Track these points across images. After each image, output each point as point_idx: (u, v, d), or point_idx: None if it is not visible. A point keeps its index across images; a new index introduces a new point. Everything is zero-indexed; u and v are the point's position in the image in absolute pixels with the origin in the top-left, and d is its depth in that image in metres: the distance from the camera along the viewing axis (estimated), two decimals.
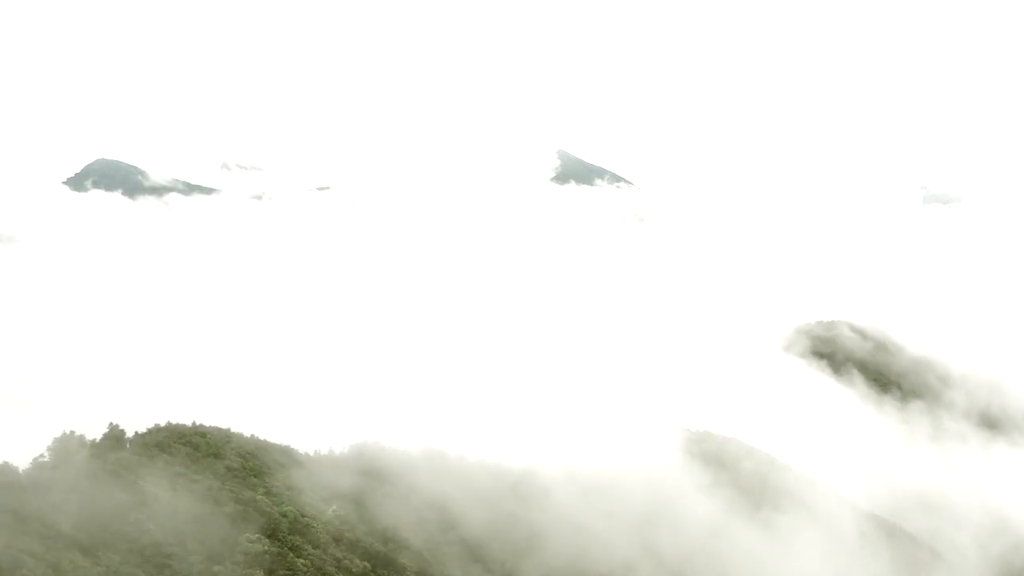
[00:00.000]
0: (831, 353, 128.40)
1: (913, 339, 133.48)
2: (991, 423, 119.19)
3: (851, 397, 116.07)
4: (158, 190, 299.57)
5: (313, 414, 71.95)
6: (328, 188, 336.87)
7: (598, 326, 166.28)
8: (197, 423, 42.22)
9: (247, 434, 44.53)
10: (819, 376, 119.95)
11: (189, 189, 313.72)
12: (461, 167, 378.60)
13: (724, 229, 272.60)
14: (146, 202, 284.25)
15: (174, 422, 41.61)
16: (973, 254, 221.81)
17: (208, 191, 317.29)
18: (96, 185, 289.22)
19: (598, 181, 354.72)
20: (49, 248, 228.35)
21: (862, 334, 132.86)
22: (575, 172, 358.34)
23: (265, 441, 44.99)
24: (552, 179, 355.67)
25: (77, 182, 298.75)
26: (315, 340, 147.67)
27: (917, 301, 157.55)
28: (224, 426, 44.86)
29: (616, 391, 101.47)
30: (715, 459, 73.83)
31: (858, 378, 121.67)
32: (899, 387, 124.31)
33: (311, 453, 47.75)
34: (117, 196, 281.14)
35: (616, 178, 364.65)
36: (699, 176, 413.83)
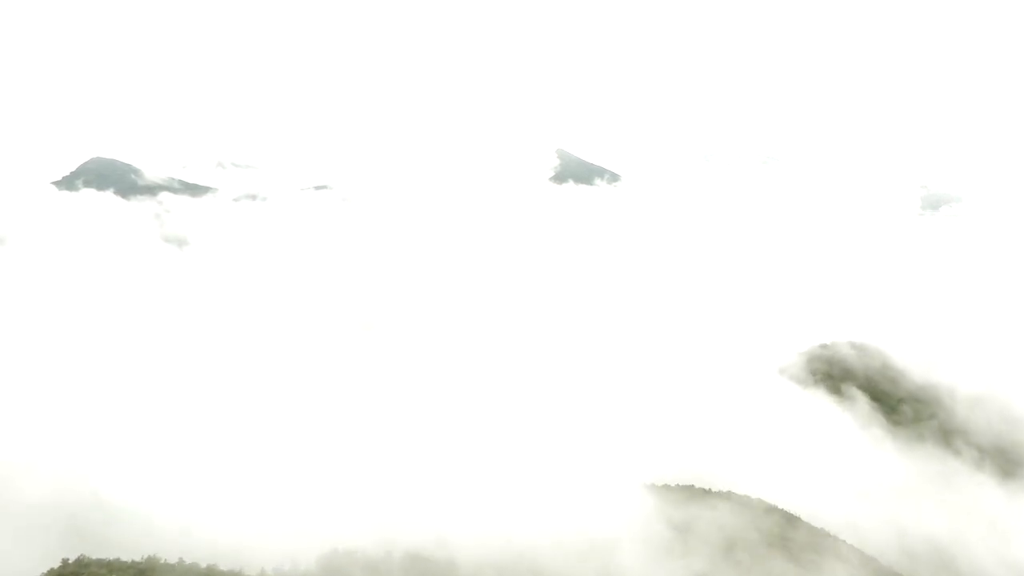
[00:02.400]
0: (834, 377, 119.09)
1: (927, 361, 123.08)
2: (1013, 459, 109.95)
3: (857, 429, 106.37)
4: (152, 189, 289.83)
5: (281, 500, 62.64)
6: (325, 187, 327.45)
7: (589, 336, 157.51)
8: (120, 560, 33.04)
9: (187, 559, 35.26)
10: (822, 405, 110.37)
11: (184, 188, 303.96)
12: (459, 166, 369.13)
13: (723, 232, 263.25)
14: (139, 201, 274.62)
15: (91, 555, 32.41)
16: (981, 262, 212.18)
17: (203, 190, 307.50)
18: (88, 184, 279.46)
19: (597, 181, 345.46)
20: (36, 249, 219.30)
21: (869, 355, 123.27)
22: (574, 172, 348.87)
23: (210, 570, 35.59)
24: (551, 178, 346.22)
25: (70, 181, 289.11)
26: (304, 365, 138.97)
27: (928, 317, 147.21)
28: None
29: (598, 429, 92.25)
30: (709, 526, 64.90)
31: (865, 405, 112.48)
32: (912, 415, 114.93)
33: (270, 572, 38.45)
34: (109, 195, 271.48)
35: (615, 178, 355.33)
36: (699, 177, 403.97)
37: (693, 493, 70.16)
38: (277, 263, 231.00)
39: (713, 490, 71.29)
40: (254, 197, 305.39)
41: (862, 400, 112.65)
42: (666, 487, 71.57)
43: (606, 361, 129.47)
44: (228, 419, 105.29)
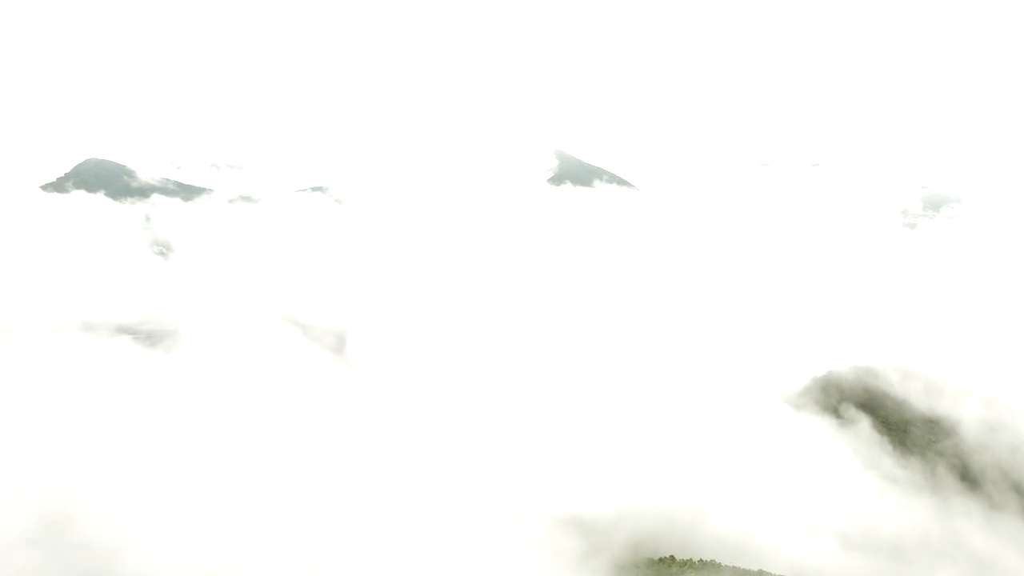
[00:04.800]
0: (844, 405, 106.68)
1: (943, 386, 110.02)
2: None
3: (867, 469, 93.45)
4: (145, 191, 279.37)
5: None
6: (322, 188, 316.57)
7: (579, 349, 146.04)
8: None
9: None
10: (830, 440, 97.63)
11: (178, 189, 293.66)
12: (456, 167, 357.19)
13: (722, 240, 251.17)
14: (131, 204, 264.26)
15: None
16: (990, 268, 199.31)
17: (198, 191, 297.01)
18: (79, 186, 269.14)
19: (596, 182, 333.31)
20: (11, 255, 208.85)
21: (880, 381, 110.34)
22: (572, 173, 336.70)
23: None
24: (549, 180, 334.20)
25: (61, 183, 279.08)
26: (292, 374, 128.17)
27: (941, 333, 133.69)
28: None
29: (571, 473, 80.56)
30: None
31: (877, 439, 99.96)
32: (926, 447, 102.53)
33: None
34: (99, 198, 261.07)
35: (614, 179, 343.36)
36: (701, 178, 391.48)
37: (674, 567, 58.38)
38: (274, 268, 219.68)
39: (698, 560, 59.60)
40: (249, 199, 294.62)
41: (874, 434, 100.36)
42: (641, 565, 59.91)
43: (591, 383, 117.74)
44: (207, 449, 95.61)
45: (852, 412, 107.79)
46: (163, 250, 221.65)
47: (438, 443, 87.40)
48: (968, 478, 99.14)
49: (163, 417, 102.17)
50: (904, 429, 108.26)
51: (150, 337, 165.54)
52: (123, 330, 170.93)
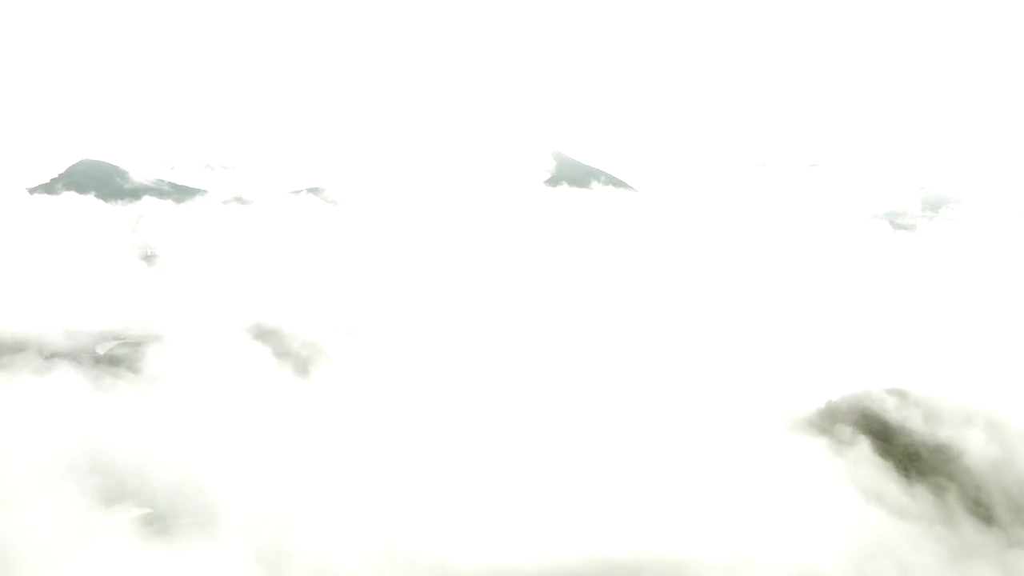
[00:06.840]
0: (847, 429, 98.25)
1: (962, 410, 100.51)
2: None
3: (883, 510, 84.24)
4: (137, 192, 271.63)
5: None
6: (317, 190, 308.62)
7: (577, 355, 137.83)
8: None
9: None
10: (835, 474, 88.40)
11: (172, 191, 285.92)
12: (452, 168, 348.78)
13: (724, 237, 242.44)
14: (121, 205, 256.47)
15: None
16: (996, 274, 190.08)
17: (191, 193, 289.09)
18: (69, 187, 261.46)
19: (593, 184, 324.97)
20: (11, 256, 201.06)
21: (890, 406, 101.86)
22: (570, 174, 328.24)
23: None
24: (546, 181, 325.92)
25: (53, 185, 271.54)
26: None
27: (955, 350, 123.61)
28: None
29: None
30: None
31: (889, 471, 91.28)
32: (945, 475, 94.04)
33: None
34: (89, 199, 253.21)
35: (612, 180, 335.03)
36: (699, 179, 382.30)
37: None
38: (255, 273, 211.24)
39: None
40: (242, 200, 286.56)
41: (877, 459, 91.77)
42: None
43: (581, 396, 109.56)
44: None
45: (852, 436, 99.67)
46: (150, 254, 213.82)
47: (399, 476, 79.75)
48: (979, 511, 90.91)
49: (121, 440, 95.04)
50: (910, 454, 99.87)
51: (129, 345, 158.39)
52: (102, 337, 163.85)
